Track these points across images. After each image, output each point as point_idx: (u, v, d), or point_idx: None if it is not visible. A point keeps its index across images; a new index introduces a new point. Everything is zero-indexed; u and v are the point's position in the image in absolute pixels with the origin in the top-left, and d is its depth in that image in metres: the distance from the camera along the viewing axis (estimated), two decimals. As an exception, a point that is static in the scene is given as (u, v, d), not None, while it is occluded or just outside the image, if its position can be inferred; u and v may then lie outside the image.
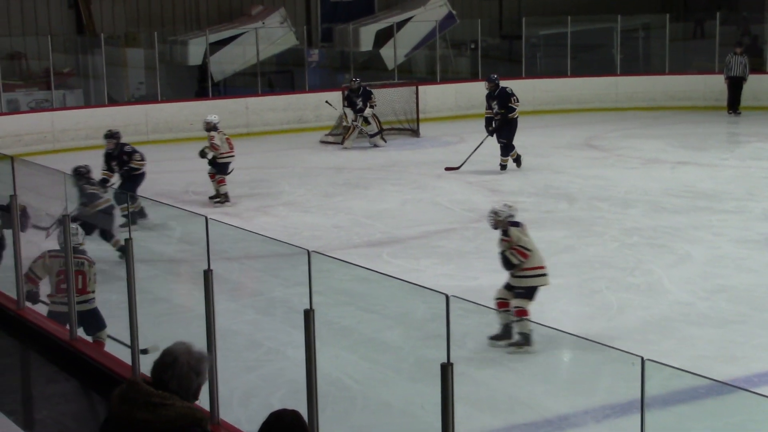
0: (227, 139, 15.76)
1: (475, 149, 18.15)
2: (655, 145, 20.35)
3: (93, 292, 8.75)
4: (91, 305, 8.86)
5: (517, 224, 9.43)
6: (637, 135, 21.83)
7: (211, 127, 15.68)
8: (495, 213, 9.53)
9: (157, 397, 3.91)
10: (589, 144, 20.82)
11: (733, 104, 24.21)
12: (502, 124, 17.71)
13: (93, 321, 8.86)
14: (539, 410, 7.85)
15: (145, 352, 7.33)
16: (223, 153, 15.56)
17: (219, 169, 15.65)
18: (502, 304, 9.22)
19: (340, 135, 21.37)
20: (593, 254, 12.38)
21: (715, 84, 24.78)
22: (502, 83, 18.44)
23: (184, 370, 4.03)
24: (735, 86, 24.14)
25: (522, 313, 8.99)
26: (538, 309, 10.21)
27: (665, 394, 7.10)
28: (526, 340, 8.95)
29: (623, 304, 10.44)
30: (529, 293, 9.22)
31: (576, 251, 12.55)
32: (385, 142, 21.18)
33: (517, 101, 18.11)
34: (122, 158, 14.36)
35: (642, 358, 4.13)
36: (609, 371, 7.39)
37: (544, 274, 9.34)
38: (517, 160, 18.11)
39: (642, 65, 27.72)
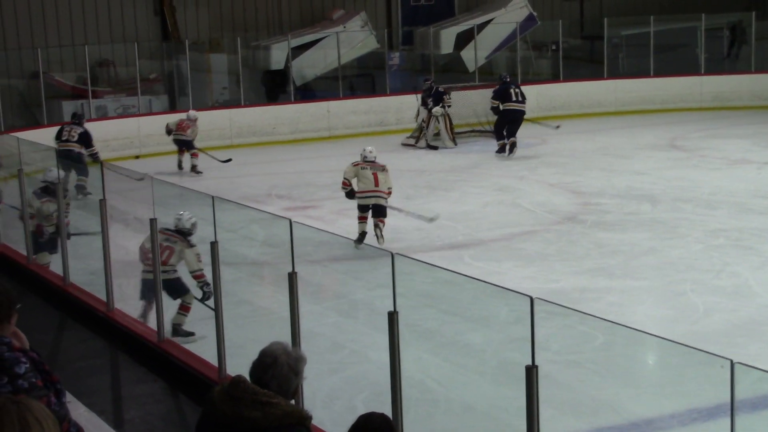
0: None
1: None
2: (741, 146, 20.00)
3: (174, 265, 9.63)
4: (171, 275, 9.63)
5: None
6: (721, 135, 21.48)
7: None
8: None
9: (264, 396, 3.96)
10: (673, 145, 20.54)
11: None
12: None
13: (176, 287, 9.70)
14: (624, 413, 7.77)
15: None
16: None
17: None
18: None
19: (414, 138, 21.43)
20: (677, 256, 12.21)
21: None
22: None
23: (284, 371, 4.07)
24: None
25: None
26: (620, 311, 10.12)
27: (754, 397, 6.99)
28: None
29: (709, 307, 10.28)
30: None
31: (659, 253, 12.39)
32: (455, 144, 21.19)
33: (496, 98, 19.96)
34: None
35: (731, 361, 4.07)
36: (695, 374, 7.29)
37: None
38: (508, 149, 19.60)
39: (727, 64, 27.27)
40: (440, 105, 20.98)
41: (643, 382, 8.36)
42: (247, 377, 4.08)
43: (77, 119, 17.72)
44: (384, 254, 6.13)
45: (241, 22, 26.28)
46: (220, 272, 7.76)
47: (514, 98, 19.96)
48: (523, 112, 20.07)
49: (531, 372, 4.84)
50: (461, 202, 15.73)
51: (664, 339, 5.16)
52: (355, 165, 13.37)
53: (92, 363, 8.42)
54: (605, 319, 6.40)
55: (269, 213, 10.94)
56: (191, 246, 9.69)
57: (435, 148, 20.92)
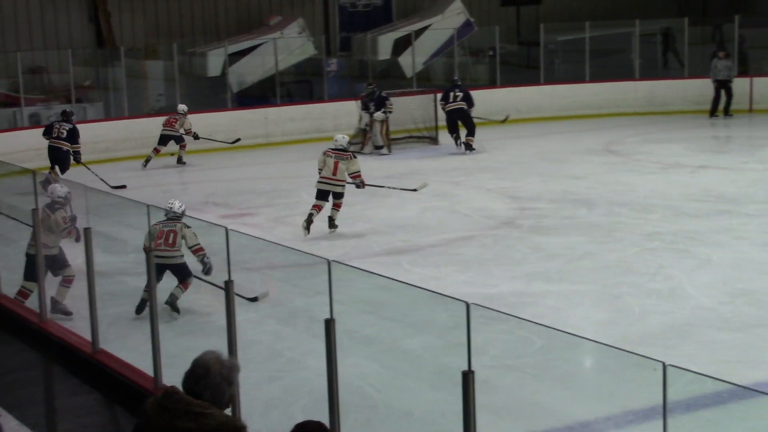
0: None
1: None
2: (675, 150, 20.28)
3: (179, 249, 10.56)
4: (179, 260, 10.44)
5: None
6: (656, 140, 21.77)
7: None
8: None
9: (198, 407, 3.92)
10: (609, 149, 20.77)
11: (718, 107, 24.41)
12: None
13: (181, 271, 10.44)
14: (561, 417, 7.82)
15: (255, 299, 9.98)
16: None
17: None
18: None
19: (359, 144, 21.44)
20: (614, 260, 12.34)
21: (735, 88, 24.69)
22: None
23: (217, 380, 4.04)
24: (723, 89, 24.38)
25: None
26: (558, 315, 10.20)
27: (688, 399, 7.08)
28: None
29: (645, 310, 10.39)
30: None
31: (596, 257, 12.51)
32: (389, 151, 21.23)
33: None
34: None
35: (663, 364, 4.11)
36: (631, 377, 7.35)
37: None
38: (463, 146, 20.67)
39: (661, 69, 27.65)
40: (382, 110, 21.04)
41: (580, 385, 8.42)
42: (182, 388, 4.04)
43: (66, 117, 17.91)
44: (322, 261, 6.12)
45: (177, 29, 26.11)
46: (155, 281, 7.68)
47: (452, 99, 20.64)
48: (460, 110, 20.63)
49: (467, 377, 4.86)
50: (399, 208, 15.74)
51: (600, 343, 5.20)
52: (324, 152, 14.22)
53: (25, 375, 8.30)
54: (542, 324, 6.45)
55: (206, 221, 10.87)
56: (188, 227, 10.58)
57: (381, 147, 21.02)
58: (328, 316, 5.84)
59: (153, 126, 21.82)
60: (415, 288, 6.47)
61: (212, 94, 25.33)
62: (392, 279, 6.56)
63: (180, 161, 20.43)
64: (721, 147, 21.59)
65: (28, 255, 10.31)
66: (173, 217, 10.70)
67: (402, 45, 26.13)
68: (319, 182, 14.06)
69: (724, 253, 12.49)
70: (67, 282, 10.37)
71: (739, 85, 24.69)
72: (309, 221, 13.73)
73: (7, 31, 24.16)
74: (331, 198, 14.02)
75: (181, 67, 23.71)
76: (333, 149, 14.13)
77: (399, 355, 9.46)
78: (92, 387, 7.90)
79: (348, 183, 14.15)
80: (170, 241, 10.44)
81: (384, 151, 21.12)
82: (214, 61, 24.44)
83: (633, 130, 23.06)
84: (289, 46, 25.16)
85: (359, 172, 14.25)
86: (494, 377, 8.34)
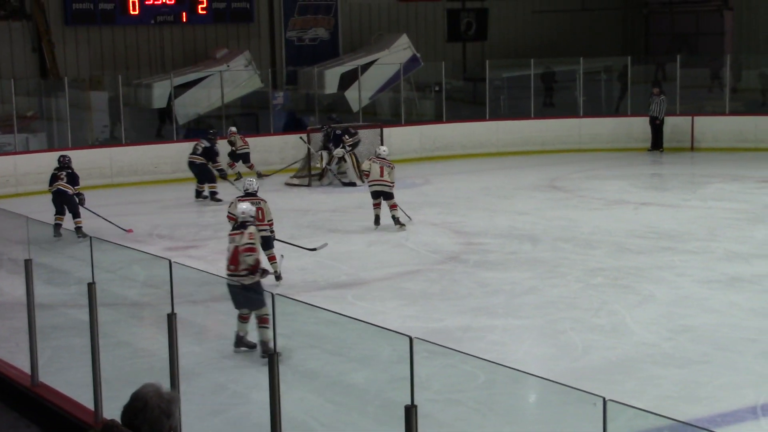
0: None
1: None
2: (618, 186, 20.53)
3: (270, 221, 12.39)
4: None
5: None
6: (600, 176, 22.02)
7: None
8: None
9: None
10: (553, 185, 20.97)
11: (655, 143, 25.05)
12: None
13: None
14: (505, 452, 7.85)
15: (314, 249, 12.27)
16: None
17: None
18: None
19: (305, 177, 21.46)
20: (557, 295, 12.43)
21: (678, 125, 25.15)
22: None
23: (155, 413, 4.00)
24: (652, 125, 25.03)
25: None
26: (503, 349, 10.26)
27: (629, 434, 7.13)
28: None
29: (588, 345, 10.48)
30: None
31: (540, 292, 12.60)
32: (363, 182, 21.31)
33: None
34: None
35: (604, 399, 4.16)
36: (574, 412, 7.40)
37: None
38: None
39: (604, 107, 28.03)
40: (341, 146, 21.20)
41: (523, 420, 8.46)
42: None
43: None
44: (266, 295, 6.11)
45: (122, 60, 25.99)
46: (98, 314, 7.61)
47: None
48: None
49: (410, 411, 4.88)
50: (345, 242, 15.75)
51: (543, 378, 5.24)
52: (370, 159, 16.97)
53: (-39, 409, 8.16)
54: (486, 359, 6.49)
55: (149, 253, 10.80)
56: (265, 201, 12.42)
57: (353, 184, 21.00)
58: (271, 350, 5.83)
59: (97, 157, 21.68)
60: (360, 322, 6.48)
61: (157, 126, 25.26)
62: (337, 313, 6.56)
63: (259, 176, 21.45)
64: (663, 184, 21.88)
65: None
66: (252, 193, 12.33)
67: (348, 79, 26.23)
68: (370, 185, 16.65)
69: (667, 289, 12.64)
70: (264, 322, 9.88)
71: (681, 123, 25.16)
72: (377, 221, 16.55)
73: (-51, 60, 23.93)
74: (383, 202, 16.52)
75: (126, 98, 23.59)
76: (378, 156, 16.71)
77: (343, 389, 9.45)
78: (30, 420, 7.79)
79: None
80: (259, 217, 11.81)
81: (359, 183, 21.14)
82: (160, 93, 24.37)
83: (577, 167, 23.31)
84: (236, 79, 25.16)
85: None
86: (437, 411, 8.36)
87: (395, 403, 5.14)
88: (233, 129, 22.31)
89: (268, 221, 12.56)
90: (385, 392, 8.88)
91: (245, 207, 10.70)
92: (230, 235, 10.48)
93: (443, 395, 8.78)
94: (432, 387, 8.51)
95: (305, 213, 18.36)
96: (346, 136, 21.37)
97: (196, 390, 8.82)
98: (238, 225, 10.50)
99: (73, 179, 16.62)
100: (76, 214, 16.37)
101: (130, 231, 16.63)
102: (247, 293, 10.01)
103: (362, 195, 19.99)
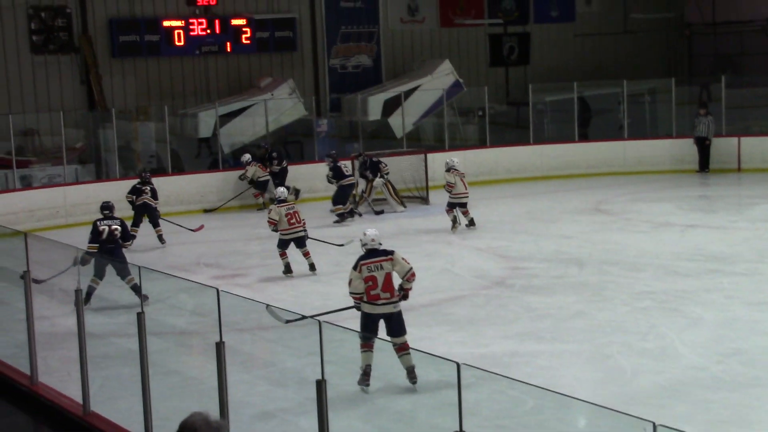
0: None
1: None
2: (664, 209, 20.38)
3: (304, 222, 14.68)
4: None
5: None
6: (645, 199, 21.88)
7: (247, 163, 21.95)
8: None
9: None
10: (598, 208, 20.87)
11: (703, 164, 24.91)
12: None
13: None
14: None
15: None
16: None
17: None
18: None
19: (352, 204, 21.52)
20: (605, 319, 12.35)
21: (723, 147, 24.95)
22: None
23: None
24: (700, 146, 24.83)
25: None
26: (550, 374, 10.20)
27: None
28: None
29: (636, 369, 10.39)
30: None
31: (587, 316, 12.53)
32: (405, 207, 21.45)
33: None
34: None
35: (653, 424, 4.13)
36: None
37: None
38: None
39: (649, 129, 27.86)
40: (378, 175, 21.23)
41: (572, 445, 8.39)
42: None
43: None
44: (313, 322, 6.13)
45: (168, 91, 26.27)
46: (147, 343, 7.68)
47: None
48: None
49: (459, 438, 4.86)
50: (391, 268, 15.72)
51: (592, 403, 5.21)
52: (453, 173, 18.29)
53: (15, 439, 8.25)
54: (534, 385, 6.46)
55: (197, 282, 10.88)
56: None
57: (381, 212, 21.07)
58: (319, 377, 5.85)
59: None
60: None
61: (203, 155, 25.47)
62: (383, 339, 6.56)
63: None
64: (710, 206, 21.68)
65: None
66: (282, 200, 14.47)
67: (392, 105, 26.31)
68: (461, 196, 18.32)
69: (716, 312, 12.52)
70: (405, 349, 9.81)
71: (727, 144, 24.98)
72: (472, 222, 18.47)
73: (0, 94, 24.29)
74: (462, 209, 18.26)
75: (173, 128, 23.83)
76: (455, 169, 18.26)
77: (391, 415, 9.44)
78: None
79: None
80: (298, 219, 14.63)
81: (400, 208, 21.26)
82: (206, 122, 24.58)
83: (622, 190, 23.18)
84: (280, 107, 25.32)
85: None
86: (486, 438, 8.32)
87: (443, 429, 5.14)
88: (247, 157, 22.49)
89: (303, 221, 15.49)
90: (433, 418, 8.87)
91: (374, 233, 10.25)
92: (368, 264, 9.98)
93: (492, 421, 8.74)
94: (480, 413, 8.48)
95: (350, 241, 18.32)
96: (383, 164, 21.35)
97: (244, 418, 8.85)
98: (373, 252, 10.08)
99: (155, 194, 18.86)
100: (156, 224, 18.63)
101: (200, 228, 19.03)
102: (390, 321, 9.75)
103: (402, 221, 20.02)
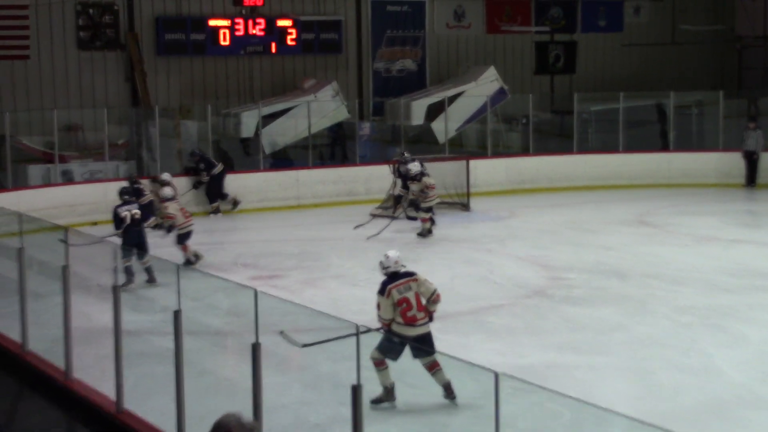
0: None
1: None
2: (709, 223, 20.14)
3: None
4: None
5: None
6: (689, 212, 21.65)
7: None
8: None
9: None
10: (641, 220, 20.66)
11: (750, 179, 24.66)
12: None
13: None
14: (590, 493, 7.68)
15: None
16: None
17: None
18: None
19: (390, 208, 21.42)
20: (645, 333, 12.20)
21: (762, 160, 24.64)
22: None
23: None
24: (748, 160, 24.59)
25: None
26: (588, 387, 10.06)
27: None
28: None
29: (677, 385, 10.24)
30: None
31: (627, 329, 12.38)
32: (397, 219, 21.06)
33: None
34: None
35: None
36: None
37: None
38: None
39: (695, 142, 27.58)
40: (406, 183, 21.00)
41: (610, 460, 8.26)
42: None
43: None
44: (350, 326, 6.07)
45: (212, 90, 26.37)
46: (183, 341, 7.65)
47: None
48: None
49: (496, 450, 4.78)
50: (429, 274, 15.40)
51: (631, 418, 5.10)
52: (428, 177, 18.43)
53: (48, 434, 8.26)
54: (572, 397, 6.35)
55: (234, 282, 10.84)
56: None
57: (414, 219, 20.89)
58: (355, 382, 5.78)
59: (183, 185, 21.94)
60: (444, 356, 6.40)
61: (245, 155, 25.51)
62: (420, 346, 6.48)
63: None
64: (756, 221, 21.40)
65: None
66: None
67: (435, 111, 26.25)
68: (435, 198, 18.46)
69: (760, 329, 12.32)
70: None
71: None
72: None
73: (45, 89, 24.48)
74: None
75: (215, 127, 23.89)
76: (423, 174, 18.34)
77: (426, 424, 9.36)
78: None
79: None
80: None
81: (400, 214, 21.05)
82: (248, 122, 24.63)
83: (666, 202, 22.94)
84: (323, 109, 25.32)
85: None
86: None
87: (479, 440, 5.06)
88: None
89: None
90: (470, 428, 8.77)
91: (397, 255, 9.88)
92: (397, 287, 9.63)
93: (528, 433, 8.64)
94: (517, 425, 8.37)
95: (389, 244, 18.25)
96: (422, 168, 20.56)
97: (278, 420, 8.81)
98: (396, 274, 9.73)
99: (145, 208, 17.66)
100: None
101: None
102: (423, 343, 9.45)
103: (446, 227, 19.90)
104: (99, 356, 10.15)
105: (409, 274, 9.81)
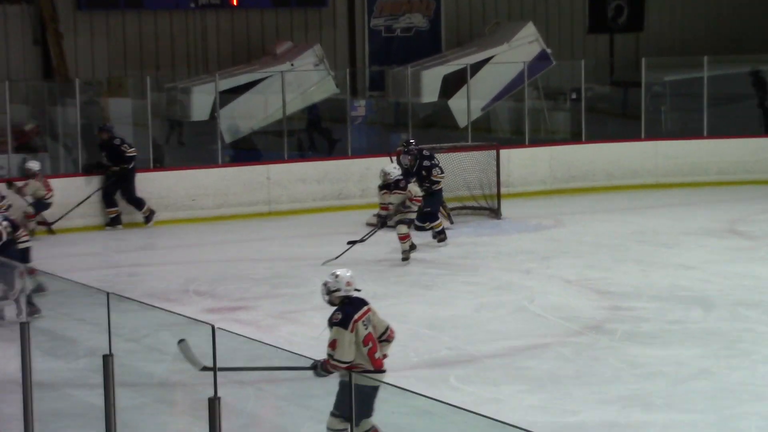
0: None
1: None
2: (824, 233, 20.29)
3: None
4: None
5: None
6: (799, 218, 21.80)
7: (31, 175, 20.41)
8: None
9: None
10: (733, 230, 20.77)
11: None
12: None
13: None
14: None
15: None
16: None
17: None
18: None
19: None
20: (738, 381, 12.28)
21: None
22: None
23: None
24: None
25: None
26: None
27: None
28: None
29: (781, 451, 10.35)
30: None
31: (715, 377, 12.47)
32: (452, 222, 21.17)
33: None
34: None
35: None
36: None
37: None
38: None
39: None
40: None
41: None
42: None
43: None
44: (342, 375, 6.16)
45: (151, 57, 26.39)
46: (115, 396, 7.73)
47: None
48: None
49: None
50: (447, 305, 15.76)
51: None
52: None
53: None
54: None
55: (185, 316, 10.92)
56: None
57: (423, 229, 20.95)
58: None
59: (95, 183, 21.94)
60: (468, 413, 6.44)
61: (197, 145, 25.54)
62: (436, 400, 6.57)
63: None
64: None
65: None
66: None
67: (454, 83, 26.24)
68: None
69: None
70: None
71: None
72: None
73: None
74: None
75: (156, 107, 23.89)
76: None
77: None
78: None
79: None
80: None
81: (447, 224, 21.04)
82: (201, 101, 24.63)
83: (766, 205, 23.05)
84: (302, 82, 25.34)
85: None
86: None
87: None
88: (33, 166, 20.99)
89: None
90: None
91: (350, 275, 9.77)
92: (361, 318, 9.62)
93: None
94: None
95: (393, 264, 18.33)
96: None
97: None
98: (352, 301, 9.67)
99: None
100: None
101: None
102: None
103: (469, 241, 19.97)
104: (4, 417, 10.23)
105: (364, 302, 9.69)
